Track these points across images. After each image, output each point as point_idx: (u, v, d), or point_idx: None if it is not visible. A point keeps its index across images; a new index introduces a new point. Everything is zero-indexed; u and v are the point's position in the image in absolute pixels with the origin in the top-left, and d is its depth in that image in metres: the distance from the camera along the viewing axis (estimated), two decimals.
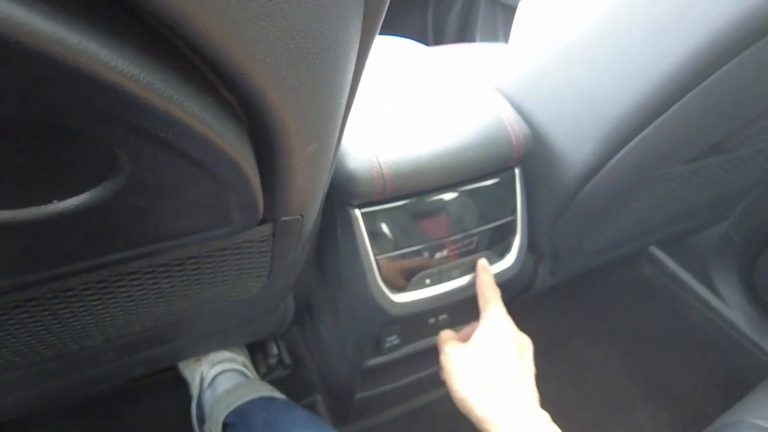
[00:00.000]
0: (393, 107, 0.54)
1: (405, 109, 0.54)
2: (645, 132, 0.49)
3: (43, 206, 0.23)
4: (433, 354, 0.59)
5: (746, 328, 1.04)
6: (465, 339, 0.54)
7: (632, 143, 0.50)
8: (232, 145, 0.22)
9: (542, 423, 0.46)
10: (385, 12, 0.27)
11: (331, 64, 0.24)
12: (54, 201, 0.23)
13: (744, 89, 0.43)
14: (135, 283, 0.39)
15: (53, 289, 0.34)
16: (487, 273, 0.58)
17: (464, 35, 1.48)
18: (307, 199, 0.37)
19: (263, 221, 0.38)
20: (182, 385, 0.83)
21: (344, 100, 0.31)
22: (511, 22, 0.98)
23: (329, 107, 0.28)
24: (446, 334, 0.56)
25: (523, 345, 0.52)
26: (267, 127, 0.24)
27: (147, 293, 0.42)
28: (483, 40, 1.44)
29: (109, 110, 0.17)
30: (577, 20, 0.51)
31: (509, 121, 0.55)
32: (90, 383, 0.59)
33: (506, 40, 1.16)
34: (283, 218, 0.38)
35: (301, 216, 0.40)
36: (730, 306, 1.06)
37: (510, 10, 1.32)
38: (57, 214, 0.24)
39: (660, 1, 0.44)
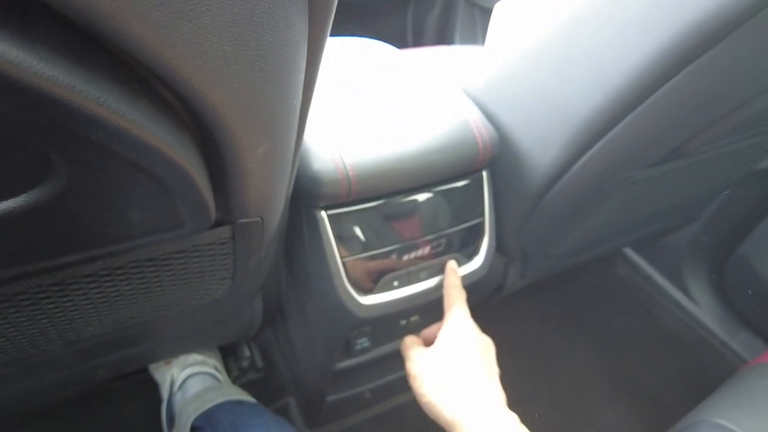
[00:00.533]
0: (360, 109, 0.54)
1: (372, 111, 0.54)
2: (608, 136, 0.50)
3: None
4: None
5: (716, 328, 1.06)
6: (429, 341, 0.54)
7: (596, 147, 0.51)
8: (171, 146, 0.22)
9: (511, 423, 0.46)
10: (333, 13, 0.27)
11: (276, 65, 0.24)
12: None
13: (699, 95, 0.44)
14: (92, 285, 0.38)
15: (2, 293, 0.34)
16: (455, 275, 0.58)
17: (443, 37, 1.49)
18: (265, 200, 0.37)
19: (220, 223, 0.37)
20: (154, 387, 0.82)
21: (297, 102, 0.30)
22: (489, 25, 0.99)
23: (279, 108, 0.28)
24: (410, 340, 0.56)
25: (487, 346, 0.52)
26: (211, 128, 0.24)
27: (105, 296, 0.41)
28: (462, 42, 1.45)
29: (35, 116, 0.17)
30: (541, 26, 0.52)
31: (476, 123, 0.55)
32: (51, 388, 0.58)
33: (484, 42, 1.17)
34: (242, 220, 0.37)
35: (261, 218, 0.39)
36: (701, 306, 1.08)
37: (488, 13, 1.33)
38: None
39: (621, 10, 0.44)
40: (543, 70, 0.52)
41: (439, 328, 0.54)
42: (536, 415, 0.97)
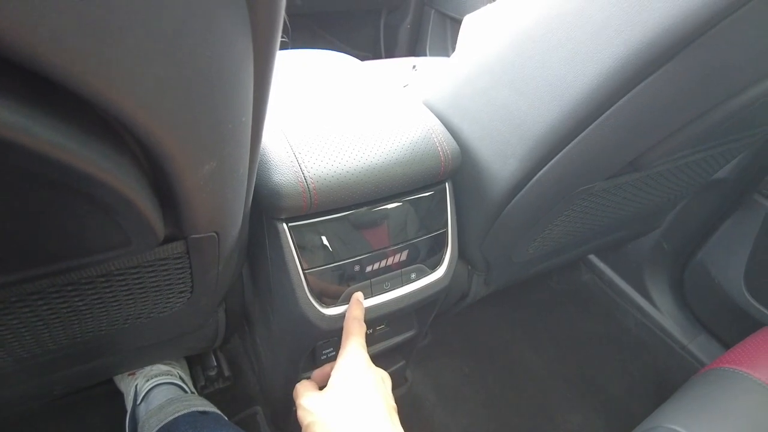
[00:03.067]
0: (323, 121, 0.54)
1: (335, 124, 0.54)
2: (564, 150, 0.51)
3: None
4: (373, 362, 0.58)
5: (676, 332, 1.09)
6: (323, 381, 0.51)
7: (553, 161, 0.52)
8: (103, 168, 0.22)
9: None
10: (279, 27, 0.27)
11: (216, 84, 0.24)
12: None
13: (651, 111, 0.46)
14: (40, 302, 0.38)
15: None
16: (358, 306, 0.55)
17: (415, 47, 1.50)
18: (218, 216, 0.37)
19: (173, 239, 0.37)
20: (118, 397, 0.80)
21: (246, 118, 0.30)
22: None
23: (224, 126, 0.28)
24: (301, 386, 0.52)
25: (382, 381, 0.49)
26: (150, 148, 0.23)
27: (57, 312, 0.40)
28: (433, 52, 1.47)
29: None
30: (498, 41, 0.53)
31: (438, 137, 0.56)
32: (3, 405, 0.56)
33: (454, 51, 1.19)
34: (195, 236, 0.37)
35: (217, 233, 0.39)
36: (662, 311, 1.11)
37: (458, 23, 1.35)
38: None
39: (573, 29, 0.46)
40: (501, 86, 0.53)
41: (331, 367, 0.51)
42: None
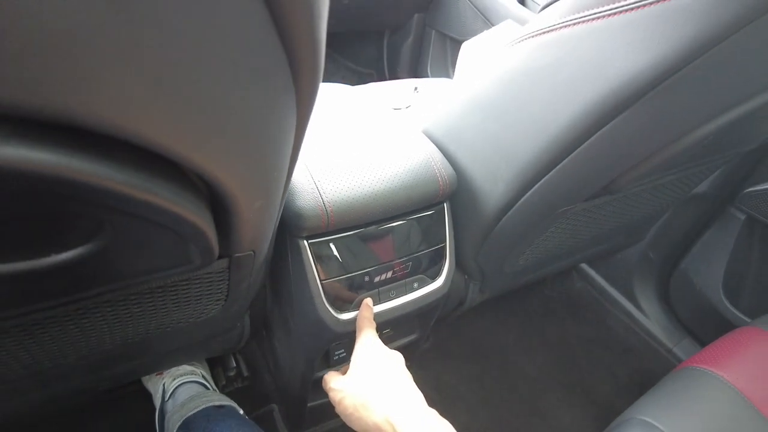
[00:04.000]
0: (337, 152, 0.62)
1: (347, 154, 0.62)
2: (546, 176, 0.59)
3: (40, 259, 0.30)
4: None
5: (662, 337, 1.17)
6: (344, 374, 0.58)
7: (537, 185, 0.60)
8: (193, 212, 0.30)
9: (432, 417, 0.49)
10: (315, 100, 0.35)
11: (272, 145, 0.33)
12: (51, 255, 0.31)
13: (617, 146, 0.54)
14: (109, 309, 0.46)
15: (37, 318, 0.41)
16: (367, 309, 0.62)
17: (417, 66, 1.59)
18: (257, 238, 0.45)
19: (220, 257, 0.45)
20: (146, 398, 0.88)
21: (286, 165, 0.39)
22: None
23: (272, 174, 0.36)
24: (327, 376, 0.59)
25: (395, 358, 0.56)
26: (220, 193, 0.32)
27: (119, 317, 0.48)
28: (433, 70, 1.55)
29: (99, 198, 0.25)
30: (489, 82, 0.61)
31: (436, 163, 0.64)
32: (59, 398, 0.64)
33: (454, 69, 1.27)
34: (237, 254, 0.45)
35: (253, 251, 0.47)
36: (649, 317, 1.19)
37: (458, 43, 1.43)
38: (51, 264, 0.31)
39: (551, 77, 0.54)
40: (491, 120, 0.61)
41: (347, 368, 0.57)
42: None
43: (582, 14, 0.49)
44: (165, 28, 0.19)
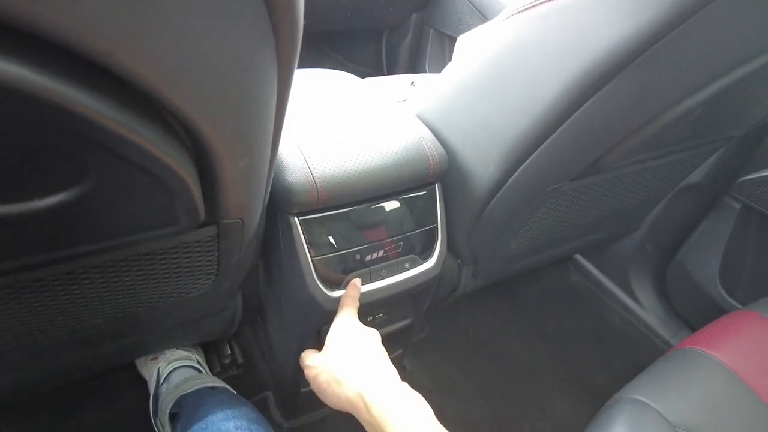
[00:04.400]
0: (329, 130, 0.63)
1: (339, 132, 0.63)
2: (534, 154, 0.60)
3: (25, 203, 0.31)
4: None
5: (658, 328, 1.16)
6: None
7: (525, 163, 0.61)
8: (176, 160, 0.30)
9: (403, 391, 0.49)
10: (296, 60, 0.36)
11: (253, 101, 0.33)
12: (35, 199, 0.31)
13: (601, 121, 0.55)
14: (98, 276, 0.46)
15: (24, 278, 0.41)
16: (354, 288, 0.63)
17: (415, 63, 1.60)
18: (245, 204, 0.46)
19: (208, 223, 0.46)
20: (139, 385, 0.89)
21: (270, 126, 0.39)
22: None
23: (256, 131, 0.37)
24: (305, 353, 0.60)
25: (371, 334, 0.56)
26: (204, 146, 0.33)
27: (109, 286, 0.49)
28: (432, 67, 1.56)
29: (84, 134, 0.25)
30: (478, 65, 0.62)
31: (427, 143, 0.65)
32: (51, 375, 0.65)
33: None
34: (225, 221, 0.46)
35: (242, 220, 0.48)
36: (645, 308, 1.19)
37: (455, 41, 1.44)
38: (36, 210, 0.31)
39: (535, 53, 0.55)
40: (480, 101, 0.62)
41: None
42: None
43: None
44: None
